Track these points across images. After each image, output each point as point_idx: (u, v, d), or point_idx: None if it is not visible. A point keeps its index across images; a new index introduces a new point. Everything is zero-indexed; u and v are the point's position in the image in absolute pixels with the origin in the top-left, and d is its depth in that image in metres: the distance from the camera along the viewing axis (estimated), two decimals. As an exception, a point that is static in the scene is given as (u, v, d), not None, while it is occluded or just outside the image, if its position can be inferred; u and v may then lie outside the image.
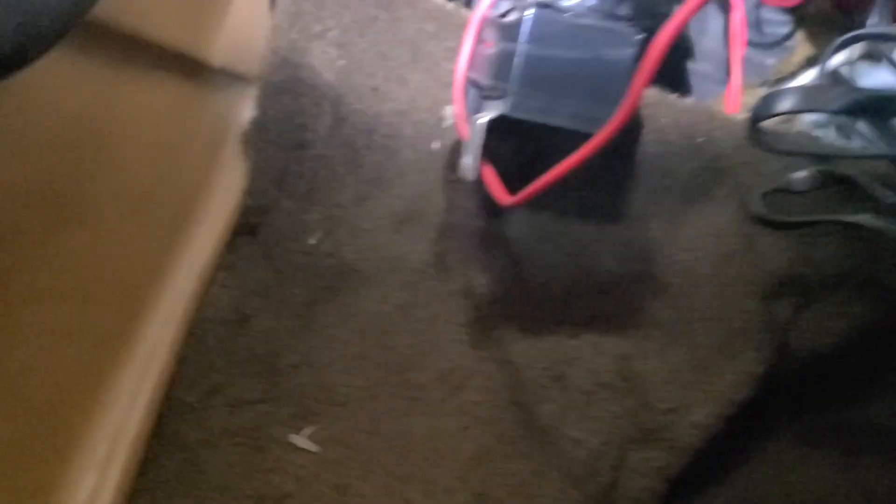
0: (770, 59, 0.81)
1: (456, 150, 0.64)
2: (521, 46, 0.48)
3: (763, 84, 0.80)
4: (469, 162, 0.51)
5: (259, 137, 0.65)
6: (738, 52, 0.69)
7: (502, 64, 0.50)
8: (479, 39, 0.56)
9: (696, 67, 0.78)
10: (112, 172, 0.53)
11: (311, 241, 0.65)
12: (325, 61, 0.64)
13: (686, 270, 0.65)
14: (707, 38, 0.78)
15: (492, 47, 0.53)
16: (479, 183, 0.66)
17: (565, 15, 0.52)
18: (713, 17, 0.77)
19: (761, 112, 0.49)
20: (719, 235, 0.66)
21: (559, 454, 0.64)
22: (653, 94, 0.66)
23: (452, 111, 0.57)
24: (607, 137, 0.47)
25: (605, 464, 0.64)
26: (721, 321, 0.65)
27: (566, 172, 0.49)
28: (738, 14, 0.70)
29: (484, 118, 0.50)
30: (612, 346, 0.65)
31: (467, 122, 0.54)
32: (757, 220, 0.62)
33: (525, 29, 0.49)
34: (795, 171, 0.61)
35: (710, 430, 0.64)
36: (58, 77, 0.42)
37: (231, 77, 0.65)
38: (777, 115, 0.47)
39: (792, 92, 0.48)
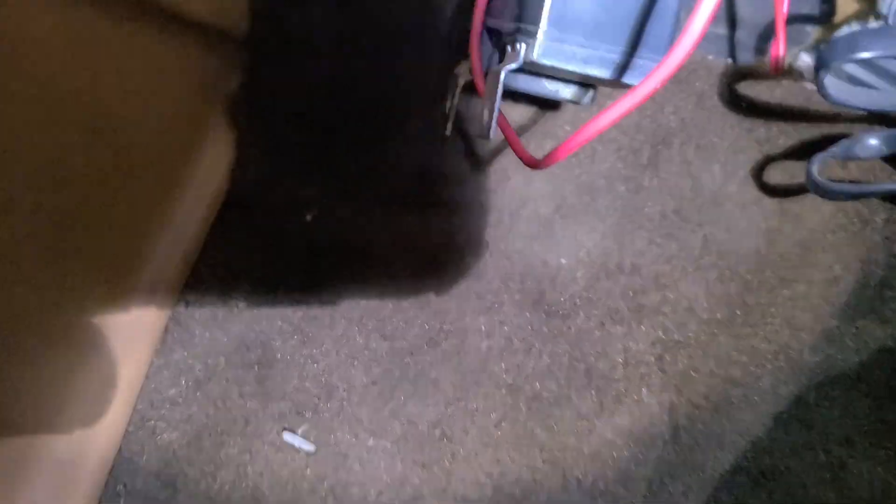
0: (810, 26, 0.75)
1: (472, 114, 0.57)
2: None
3: (804, 50, 0.73)
4: (487, 119, 0.44)
5: (248, 103, 0.58)
6: (783, 10, 0.62)
7: (528, 3, 0.43)
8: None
9: (731, 35, 0.71)
10: (89, 133, 0.47)
11: (308, 217, 0.59)
12: (320, 16, 0.58)
13: (727, 250, 0.59)
14: (742, 3, 0.72)
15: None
16: (494, 154, 0.60)
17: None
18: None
19: (831, 59, 0.42)
20: (763, 211, 0.59)
21: (592, 448, 0.57)
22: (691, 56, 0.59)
23: (467, 67, 0.50)
24: (654, 90, 0.40)
25: (650, 453, 0.57)
26: (765, 305, 0.58)
27: (603, 130, 0.42)
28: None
29: (504, 68, 0.43)
30: (649, 336, 0.58)
31: (484, 75, 0.47)
32: (812, 190, 0.54)
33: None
34: (858, 137, 0.54)
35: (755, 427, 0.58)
36: (41, 30, 0.38)
37: (218, 36, 0.58)
38: (853, 60, 0.40)
39: (868, 33, 0.41)
